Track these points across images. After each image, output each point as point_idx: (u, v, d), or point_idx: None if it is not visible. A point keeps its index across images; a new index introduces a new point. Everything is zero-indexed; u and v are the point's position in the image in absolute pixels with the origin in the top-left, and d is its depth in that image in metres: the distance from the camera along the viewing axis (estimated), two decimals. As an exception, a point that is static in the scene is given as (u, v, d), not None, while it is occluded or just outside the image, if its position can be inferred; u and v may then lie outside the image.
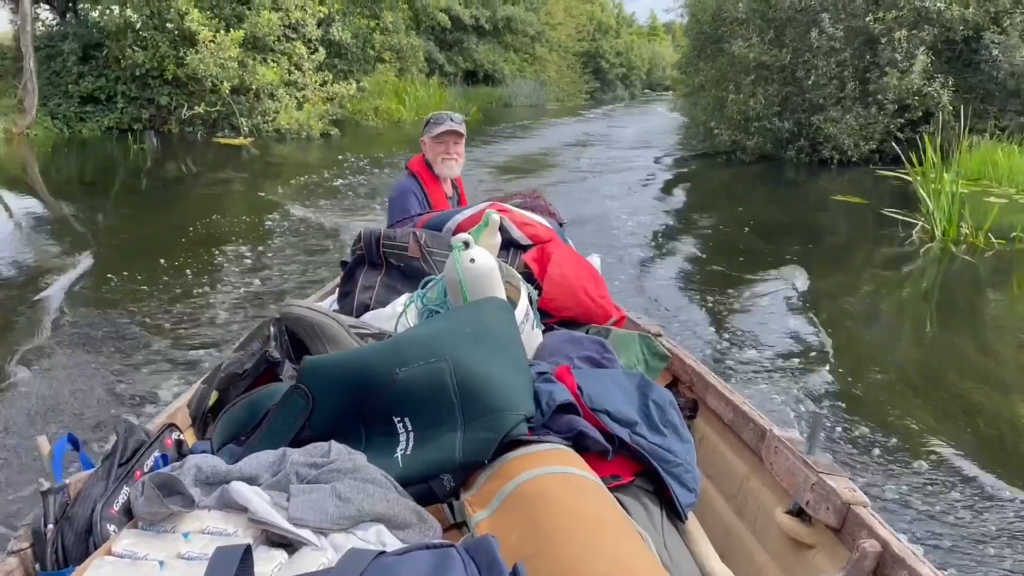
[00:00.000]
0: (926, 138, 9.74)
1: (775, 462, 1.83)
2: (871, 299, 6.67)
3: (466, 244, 1.95)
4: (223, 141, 15.78)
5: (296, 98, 17.23)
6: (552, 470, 1.36)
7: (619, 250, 8.04)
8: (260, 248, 7.95)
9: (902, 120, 13.12)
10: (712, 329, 5.70)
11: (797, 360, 4.93)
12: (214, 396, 1.89)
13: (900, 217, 8.98)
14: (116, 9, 14.81)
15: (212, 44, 15.33)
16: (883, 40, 12.95)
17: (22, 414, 4.22)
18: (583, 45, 43.80)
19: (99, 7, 15.36)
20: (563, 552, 1.15)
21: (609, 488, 1.45)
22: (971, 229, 8.04)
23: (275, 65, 16.75)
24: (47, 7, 17.03)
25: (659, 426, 1.69)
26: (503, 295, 1.98)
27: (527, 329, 2.02)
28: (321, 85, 17.76)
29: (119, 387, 4.57)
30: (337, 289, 2.98)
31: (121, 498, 1.39)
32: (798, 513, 1.73)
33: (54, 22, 16.99)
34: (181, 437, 1.73)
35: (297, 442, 1.49)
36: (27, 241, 8.47)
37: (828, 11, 13.32)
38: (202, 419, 1.92)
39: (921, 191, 8.91)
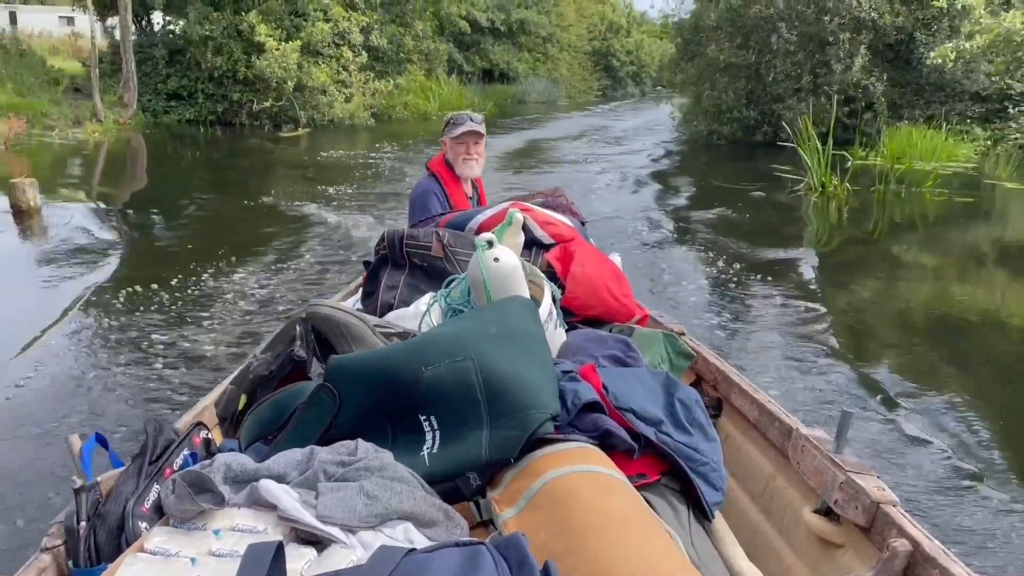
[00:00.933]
0: (860, 123, 13.45)
1: (802, 461, 1.82)
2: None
3: (490, 243, 1.95)
4: (285, 135, 18.90)
5: (344, 94, 20.41)
6: (579, 468, 1.36)
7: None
8: (325, 216, 9.63)
9: (847, 109, 15.86)
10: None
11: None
12: (243, 400, 1.90)
13: (791, 176, 12.33)
14: (199, 24, 18.11)
15: (276, 51, 18.29)
16: (830, 42, 15.78)
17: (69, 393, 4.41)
18: (594, 44, 45.52)
19: (184, 21, 18.46)
20: (593, 551, 1.15)
21: (635, 487, 1.45)
22: (837, 184, 11.42)
23: (326, 67, 19.79)
24: (88, 9, 19.64)
25: (685, 425, 1.69)
26: (527, 294, 1.97)
27: (551, 328, 2.02)
28: (364, 83, 21.01)
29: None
30: (360, 289, 2.99)
31: (152, 496, 1.41)
32: (826, 512, 1.72)
33: (145, 31, 20.28)
34: (209, 436, 1.75)
35: (324, 440, 1.50)
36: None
37: (785, 20, 16.31)
38: (231, 419, 1.94)
39: (804, 157, 11.77)
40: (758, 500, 2.01)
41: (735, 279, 7.06)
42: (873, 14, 15.19)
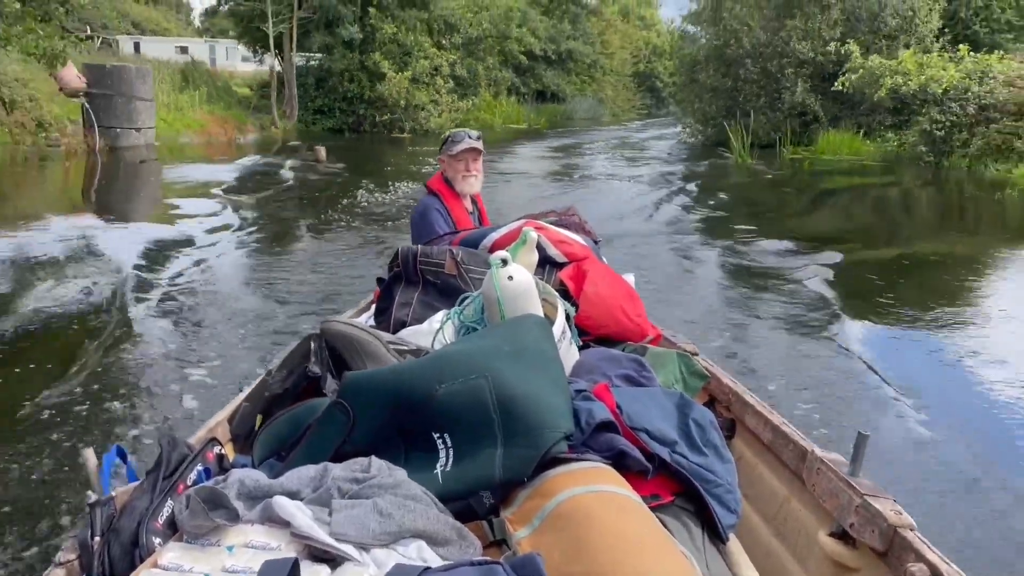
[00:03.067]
0: (813, 131, 22.25)
1: (817, 483, 1.80)
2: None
3: (504, 262, 1.95)
4: (396, 138, 26.10)
5: (436, 111, 27.99)
6: (594, 488, 1.35)
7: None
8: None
9: (799, 120, 22.74)
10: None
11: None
12: (259, 419, 1.91)
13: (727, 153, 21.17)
14: (339, 61, 25.92)
15: (392, 80, 25.99)
16: (780, 74, 22.74)
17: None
18: (638, 68, 50.69)
19: (332, 56, 25.93)
20: (609, 572, 1.14)
21: (650, 508, 1.44)
22: (747, 159, 19.90)
23: (425, 91, 27.32)
24: (272, 52, 27.00)
25: (700, 446, 1.68)
26: (540, 312, 1.97)
27: (564, 346, 2.02)
28: (450, 103, 28.57)
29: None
30: (373, 306, 3.00)
31: (166, 511, 1.41)
32: (841, 536, 1.70)
33: (300, 62, 27.33)
34: (222, 451, 1.75)
35: (337, 457, 1.50)
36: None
37: (750, 57, 23.41)
38: (244, 435, 1.94)
39: (734, 144, 20.59)
40: (772, 522, 1.99)
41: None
42: (811, 54, 22.01)
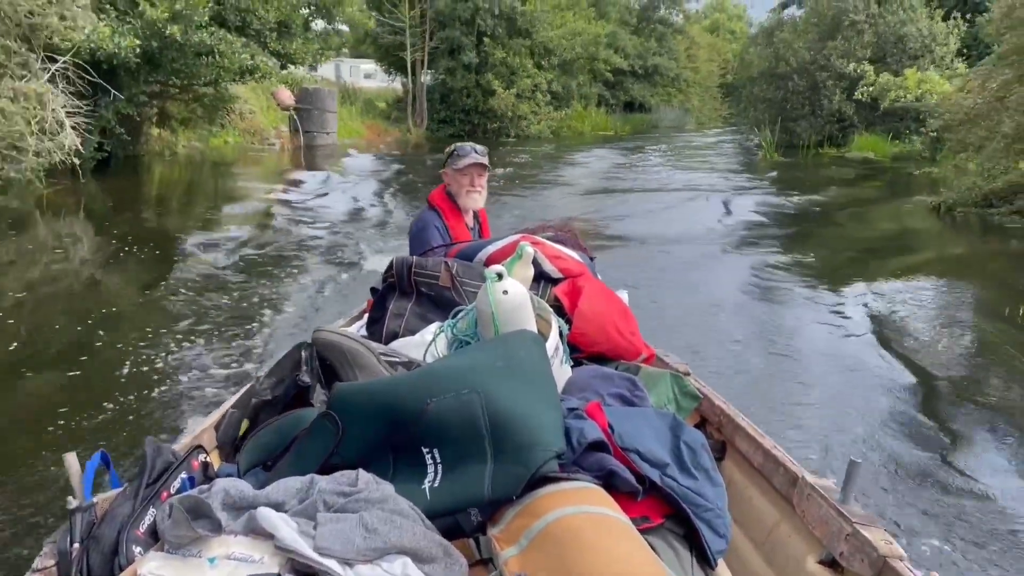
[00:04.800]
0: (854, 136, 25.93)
1: (807, 510, 1.78)
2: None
3: (499, 276, 1.94)
4: (503, 142, 29.74)
5: (536, 120, 32.86)
6: (583, 509, 1.34)
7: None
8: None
9: (837, 125, 26.49)
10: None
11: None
12: (244, 424, 1.89)
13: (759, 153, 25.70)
14: (459, 80, 31.25)
15: (501, 96, 31.10)
16: (822, 86, 26.07)
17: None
18: (726, 78, 53.26)
19: (453, 77, 31.26)
20: None
21: (638, 530, 1.42)
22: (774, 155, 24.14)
23: (527, 104, 32.21)
24: (403, 75, 32.87)
25: (691, 469, 1.66)
26: (534, 328, 1.96)
27: (556, 363, 2.00)
28: (547, 114, 33.50)
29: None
30: (365, 315, 2.98)
31: (147, 519, 1.38)
32: (831, 564, 1.68)
33: (428, 81, 32.64)
34: (207, 459, 1.73)
35: (325, 469, 1.48)
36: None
37: (796, 73, 26.88)
38: (230, 443, 1.92)
39: (763, 144, 25.50)
40: (761, 548, 1.97)
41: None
42: (847, 69, 24.69)
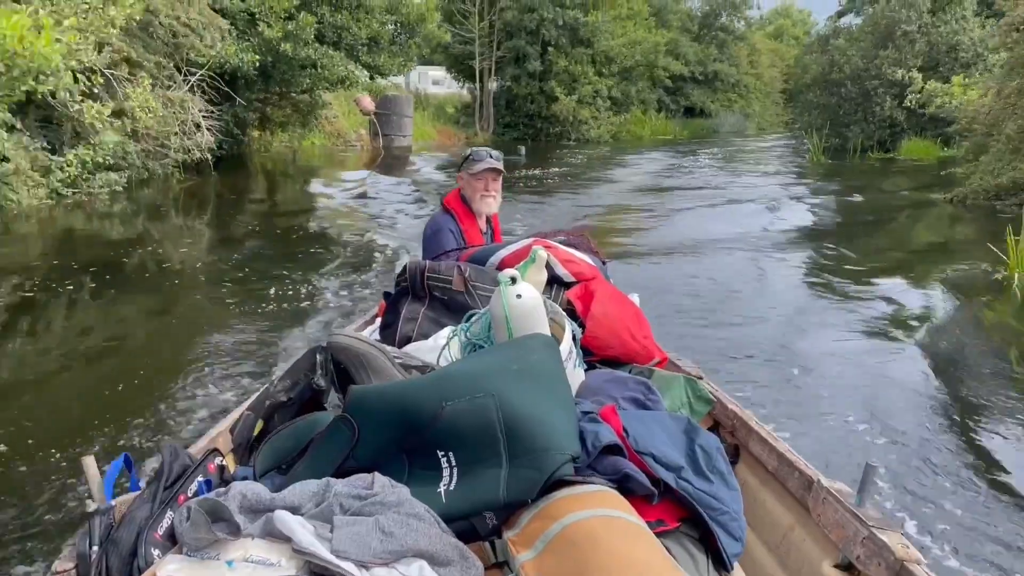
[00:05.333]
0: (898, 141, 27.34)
1: (823, 513, 1.78)
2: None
3: (513, 280, 1.94)
4: (565, 144, 32.22)
5: (597, 124, 34.74)
6: (600, 513, 1.33)
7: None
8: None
9: (888, 131, 27.77)
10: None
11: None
12: (259, 425, 1.89)
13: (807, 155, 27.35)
14: (523, 87, 33.78)
15: (563, 101, 33.01)
16: (874, 93, 27.41)
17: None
18: (789, 84, 54.03)
19: (519, 84, 33.55)
20: None
21: (654, 533, 1.42)
22: (822, 158, 25.78)
23: (587, 109, 34.06)
24: (471, 82, 35.12)
25: (706, 472, 1.66)
26: (548, 332, 1.96)
27: (570, 367, 2.00)
28: (607, 118, 35.48)
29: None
30: (377, 319, 2.99)
31: (165, 522, 1.39)
32: (847, 567, 1.68)
33: (494, 88, 35.15)
34: (223, 462, 1.74)
35: (340, 472, 1.49)
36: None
37: (849, 80, 28.20)
38: (246, 445, 1.92)
39: (810, 147, 27.29)
40: (775, 551, 1.97)
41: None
42: (897, 76, 25.26)
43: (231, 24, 15.82)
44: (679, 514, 1.58)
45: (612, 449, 1.57)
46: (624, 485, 1.53)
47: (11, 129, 7.76)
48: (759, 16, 56.61)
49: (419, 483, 1.47)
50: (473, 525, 1.43)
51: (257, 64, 15.97)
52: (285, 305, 7.06)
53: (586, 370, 2.22)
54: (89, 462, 1.48)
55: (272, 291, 7.48)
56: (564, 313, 2.16)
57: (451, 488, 1.46)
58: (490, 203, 3.57)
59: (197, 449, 1.81)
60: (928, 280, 8.54)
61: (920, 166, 22.74)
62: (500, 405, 1.48)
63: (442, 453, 1.49)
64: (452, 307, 2.44)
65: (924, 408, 4.97)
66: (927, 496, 3.83)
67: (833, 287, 8.25)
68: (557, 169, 21.12)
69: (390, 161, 22.47)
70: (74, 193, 11.53)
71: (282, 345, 5.82)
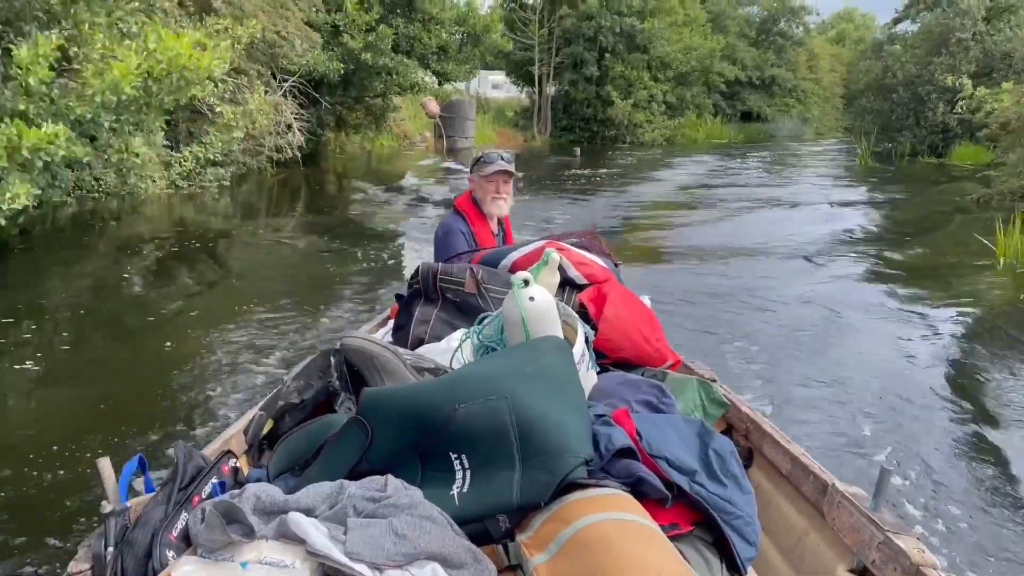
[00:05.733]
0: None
1: (837, 517, 1.77)
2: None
3: (525, 282, 1.94)
4: (618, 148, 32.99)
5: (651, 128, 35.77)
6: (613, 516, 1.33)
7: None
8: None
9: (940, 136, 28.02)
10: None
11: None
12: (269, 424, 1.90)
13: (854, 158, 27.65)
14: (580, 91, 34.96)
15: (619, 105, 33.80)
16: (926, 98, 27.77)
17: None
18: (849, 89, 54.18)
19: (576, 88, 34.76)
20: None
21: (668, 537, 1.42)
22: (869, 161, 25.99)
23: (642, 113, 35.17)
24: (530, 87, 36.68)
25: (719, 476, 1.65)
26: (560, 334, 1.96)
27: (583, 370, 2.00)
28: (662, 122, 36.43)
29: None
30: (390, 321, 2.99)
31: (180, 524, 1.40)
32: (861, 572, 1.67)
33: (550, 91, 35.88)
34: (237, 464, 1.74)
35: (354, 474, 1.49)
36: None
37: (901, 86, 28.81)
38: (257, 446, 1.93)
39: (859, 151, 27.08)
40: (789, 556, 1.96)
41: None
42: (947, 82, 24.89)
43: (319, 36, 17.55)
44: (693, 518, 1.57)
45: (625, 452, 1.57)
46: (637, 488, 1.52)
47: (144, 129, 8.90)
48: (821, 21, 56.68)
49: (432, 485, 1.47)
50: (486, 528, 1.43)
51: (341, 72, 17.94)
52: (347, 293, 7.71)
53: (599, 373, 2.21)
54: (104, 464, 1.48)
55: (340, 276, 8.38)
56: (577, 315, 2.15)
57: (464, 491, 1.45)
58: (501, 205, 3.58)
59: (211, 451, 1.82)
60: (950, 284, 8.51)
61: (968, 171, 22.73)
62: (513, 408, 1.48)
63: (455, 456, 1.49)
64: (464, 309, 2.44)
65: (945, 414, 4.93)
66: (944, 501, 3.80)
67: (856, 289, 8.24)
68: (606, 170, 22.08)
69: (456, 160, 24.05)
70: (189, 185, 13.21)
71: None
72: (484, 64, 31.24)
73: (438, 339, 2.32)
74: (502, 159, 3.49)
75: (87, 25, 7.44)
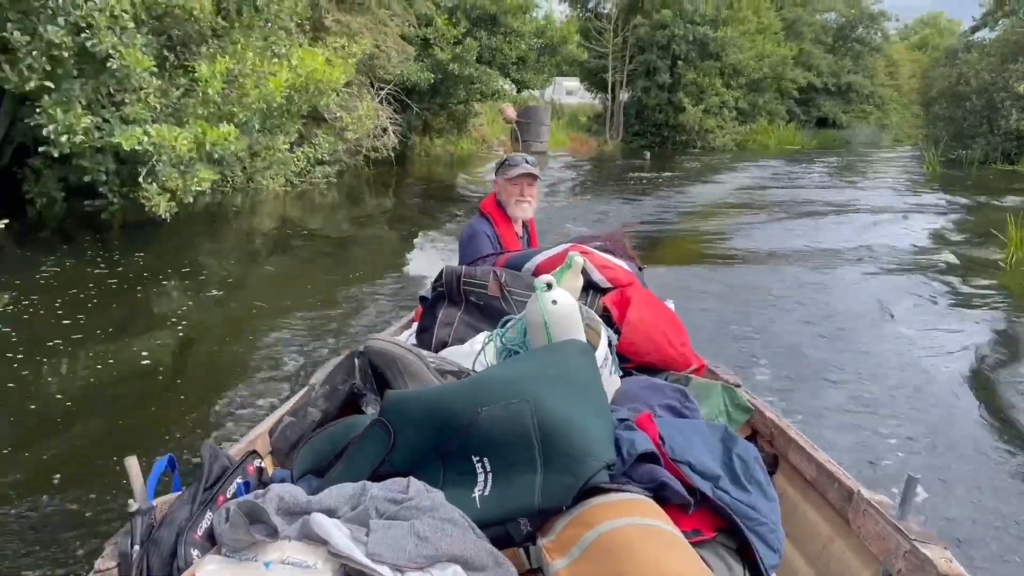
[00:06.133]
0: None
1: (863, 525, 1.74)
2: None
3: (549, 285, 1.94)
4: (689, 153, 33.16)
5: (721, 133, 35.56)
6: (636, 521, 1.33)
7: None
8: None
9: (1014, 143, 27.51)
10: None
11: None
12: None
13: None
14: (651, 99, 35.23)
15: (690, 111, 33.94)
16: (1000, 106, 27.59)
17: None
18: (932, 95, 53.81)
19: (648, 95, 35.02)
20: None
21: (690, 543, 1.41)
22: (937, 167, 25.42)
23: (714, 119, 35.07)
24: (603, 93, 37.33)
25: (743, 482, 1.64)
26: (583, 338, 1.95)
27: (605, 374, 1.99)
28: (732, 128, 36.20)
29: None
30: (414, 324, 3.00)
31: (205, 523, 1.41)
32: None
33: (622, 97, 36.82)
34: (262, 464, 1.76)
35: (376, 476, 1.50)
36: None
37: (975, 94, 28.61)
38: (285, 450, 1.95)
39: (925, 157, 26.23)
40: (814, 563, 1.93)
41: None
42: (1020, 89, 26.28)
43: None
44: (716, 524, 1.56)
45: (648, 457, 1.56)
46: (660, 494, 1.51)
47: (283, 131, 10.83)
48: (903, 26, 55.95)
49: (454, 488, 1.47)
50: (507, 531, 1.43)
51: (431, 81, 19.80)
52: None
53: (622, 377, 2.20)
54: (131, 462, 1.50)
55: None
56: (600, 319, 2.15)
57: (485, 493, 1.46)
58: (525, 208, 3.59)
59: (236, 451, 1.84)
60: (1007, 293, 8.30)
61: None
62: (535, 410, 1.48)
63: (477, 458, 1.49)
64: (488, 312, 2.44)
65: (980, 425, 4.83)
66: (973, 511, 3.74)
67: (904, 297, 8.02)
68: (670, 172, 22.67)
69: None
70: (301, 182, 14.60)
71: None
72: (559, 71, 32.24)
73: (461, 342, 2.33)
74: (526, 162, 3.51)
75: (239, 46, 9.48)
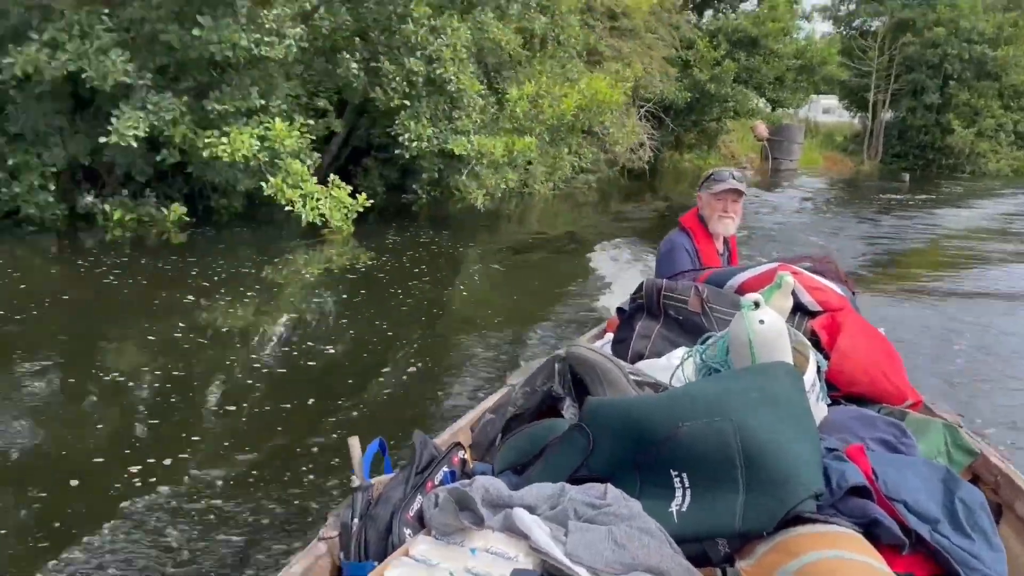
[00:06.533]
0: None
1: None
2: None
3: (756, 304, 1.89)
4: (955, 175, 31.19)
5: (996, 159, 32.86)
6: (844, 555, 1.26)
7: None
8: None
9: None
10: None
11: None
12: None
13: None
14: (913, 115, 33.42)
15: (960, 134, 31.55)
16: None
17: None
18: None
19: (914, 115, 32.98)
20: None
21: (902, 587, 1.32)
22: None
23: (988, 142, 32.25)
24: (863, 112, 35.68)
25: (966, 528, 1.51)
26: (790, 361, 1.88)
27: (813, 400, 1.90)
28: (1009, 153, 33.16)
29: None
30: (607, 333, 3.02)
31: (415, 505, 1.51)
32: None
33: (885, 117, 34.91)
34: (465, 456, 1.85)
35: (573, 480, 1.53)
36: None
37: None
38: (486, 445, 2.03)
39: None
40: None
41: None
42: None
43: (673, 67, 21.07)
44: (932, 571, 1.45)
45: (859, 491, 1.48)
46: (870, 531, 1.43)
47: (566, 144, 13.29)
48: None
49: (651, 499, 1.47)
50: (704, 549, 1.41)
51: (688, 99, 21.09)
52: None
53: (829, 405, 2.10)
54: (354, 442, 1.63)
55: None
56: (808, 343, 2.06)
57: (683, 509, 1.44)
58: (728, 224, 3.49)
59: (441, 441, 1.94)
60: None
61: None
62: (739, 430, 1.45)
63: (675, 472, 1.48)
64: (687, 327, 2.41)
65: None
66: None
67: None
68: (926, 196, 21.56)
69: (776, 181, 25.22)
70: (566, 187, 16.10)
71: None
72: (816, 90, 31.79)
73: (658, 355, 2.32)
74: (733, 177, 3.40)
75: (539, 72, 12.30)
